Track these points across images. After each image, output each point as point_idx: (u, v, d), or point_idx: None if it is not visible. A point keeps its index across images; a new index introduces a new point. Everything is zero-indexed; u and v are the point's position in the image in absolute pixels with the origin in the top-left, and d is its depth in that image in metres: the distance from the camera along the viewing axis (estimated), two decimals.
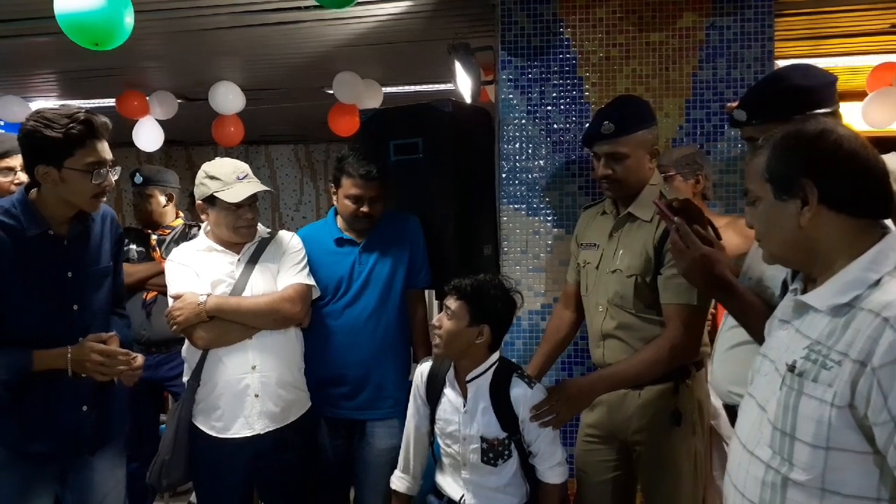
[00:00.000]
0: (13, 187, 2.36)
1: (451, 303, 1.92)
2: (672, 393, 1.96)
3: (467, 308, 1.90)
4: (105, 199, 1.98)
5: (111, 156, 1.92)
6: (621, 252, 2.02)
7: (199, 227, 3.36)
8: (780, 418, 1.17)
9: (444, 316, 1.93)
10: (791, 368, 1.16)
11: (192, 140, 9.08)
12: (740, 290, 1.49)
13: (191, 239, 3.24)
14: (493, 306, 1.92)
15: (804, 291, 1.24)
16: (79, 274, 1.93)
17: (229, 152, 9.34)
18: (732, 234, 2.17)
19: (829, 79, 1.58)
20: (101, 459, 2.02)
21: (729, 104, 1.69)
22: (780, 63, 2.62)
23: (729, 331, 1.69)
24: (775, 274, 1.47)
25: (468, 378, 1.94)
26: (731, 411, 1.59)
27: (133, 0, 2.43)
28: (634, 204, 2.02)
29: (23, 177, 2.35)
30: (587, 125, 2.18)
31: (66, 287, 1.91)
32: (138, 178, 3.39)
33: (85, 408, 1.95)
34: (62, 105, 2.15)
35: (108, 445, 2.04)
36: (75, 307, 1.92)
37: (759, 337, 1.42)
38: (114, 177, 1.94)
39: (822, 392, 1.10)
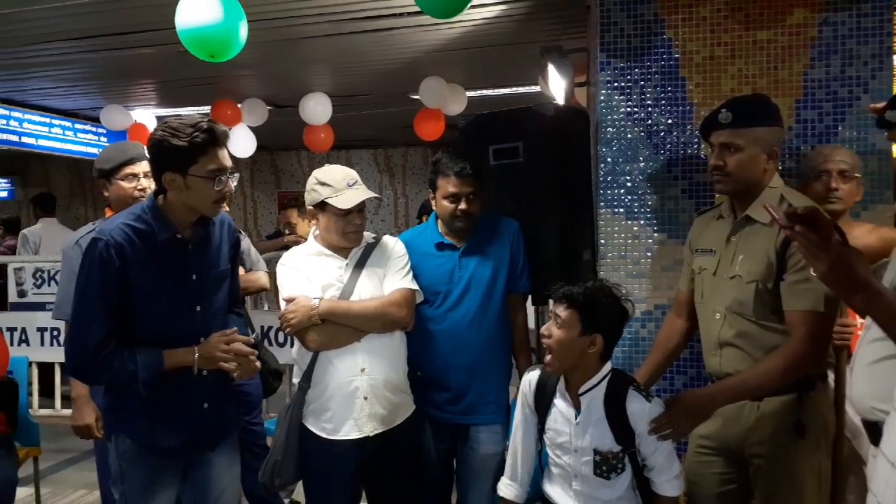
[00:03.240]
0: (136, 193, 2.48)
1: (561, 311, 1.87)
2: (795, 404, 1.88)
3: (578, 317, 1.85)
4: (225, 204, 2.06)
5: (231, 162, 1.99)
6: (741, 257, 1.95)
7: (242, 233, 3.45)
8: None
9: (552, 325, 1.89)
10: None
11: (277, 146, 9.36)
12: (889, 295, 1.39)
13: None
14: (606, 315, 1.87)
15: None
16: (201, 276, 2.02)
17: (312, 158, 9.61)
18: (874, 241, 2.08)
19: None
20: (219, 455, 2.10)
21: (873, 105, 1.59)
22: None
23: (871, 343, 1.59)
24: None
25: (581, 391, 1.91)
26: (872, 427, 1.50)
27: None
28: (753, 206, 1.96)
29: (145, 183, 2.48)
30: (704, 118, 2.12)
31: (191, 289, 1.99)
32: None
33: (206, 405, 2.03)
34: (171, 115, 2.25)
35: (225, 441, 2.12)
36: (198, 308, 2.01)
37: None
38: (233, 183, 2.02)
39: None
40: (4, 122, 6.17)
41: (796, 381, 1.87)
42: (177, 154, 1.88)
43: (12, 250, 6.50)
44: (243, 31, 2.42)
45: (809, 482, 1.90)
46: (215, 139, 1.92)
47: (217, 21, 2.27)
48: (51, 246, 5.87)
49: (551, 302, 1.97)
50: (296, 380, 2.30)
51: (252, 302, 3.43)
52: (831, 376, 2.07)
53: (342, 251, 2.30)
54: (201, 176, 1.90)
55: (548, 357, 1.90)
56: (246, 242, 3.40)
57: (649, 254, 2.78)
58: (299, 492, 2.79)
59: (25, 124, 6.40)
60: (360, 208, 2.26)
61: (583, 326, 1.85)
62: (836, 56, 2.65)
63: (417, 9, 2.46)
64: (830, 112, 2.67)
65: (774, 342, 1.88)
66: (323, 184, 2.24)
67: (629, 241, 2.81)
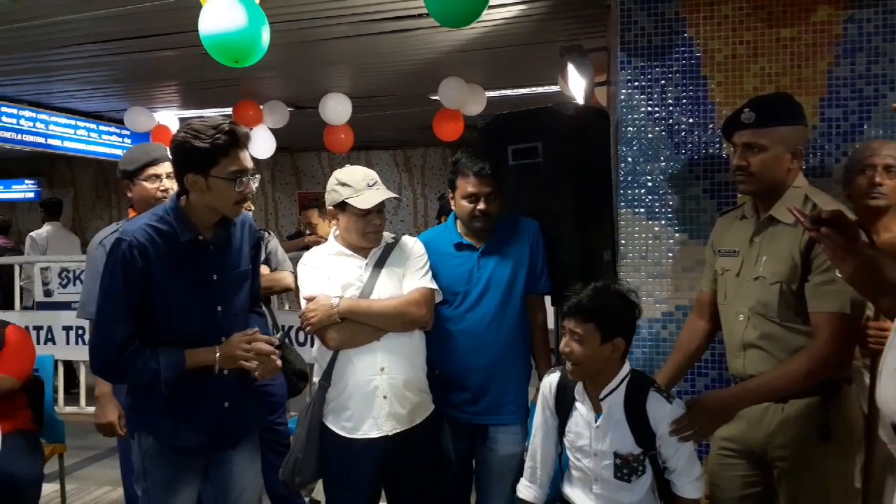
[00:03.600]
0: (159, 193, 2.51)
1: (577, 327, 1.84)
2: (820, 407, 1.85)
3: (595, 328, 1.84)
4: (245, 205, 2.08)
5: (252, 164, 2.01)
6: (764, 258, 1.93)
7: (270, 233, 3.47)
8: None
9: (570, 340, 1.86)
10: None
11: (297, 147, 9.42)
12: None
13: (266, 244, 3.36)
14: (621, 317, 1.87)
15: None
16: (222, 277, 2.03)
17: (333, 158, 9.66)
18: None
19: None
20: (239, 454, 2.11)
21: None
22: None
23: None
24: None
25: (602, 395, 1.90)
26: None
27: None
28: (776, 206, 1.93)
29: (168, 184, 2.50)
30: (726, 118, 2.09)
31: (212, 289, 2.01)
32: None
33: (227, 404, 2.04)
34: (193, 117, 2.28)
35: (246, 440, 2.14)
36: (219, 308, 2.02)
37: None
38: (254, 184, 2.04)
39: None
40: (31, 124, 6.28)
41: (821, 384, 1.84)
42: (199, 156, 1.89)
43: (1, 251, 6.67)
44: (265, 36, 2.44)
45: (835, 486, 1.87)
46: (236, 141, 1.93)
47: (240, 27, 2.28)
48: (57, 248, 6.28)
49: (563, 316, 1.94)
50: (316, 378, 2.31)
51: (276, 301, 3.45)
52: (867, 379, 2.03)
53: (362, 251, 2.31)
54: (222, 177, 1.92)
55: (570, 366, 1.89)
56: (274, 242, 3.42)
57: (670, 254, 2.76)
58: (319, 491, 2.80)
59: (52, 126, 6.51)
60: (380, 208, 2.27)
61: (602, 335, 1.84)
62: (862, 53, 2.61)
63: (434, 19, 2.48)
64: (856, 110, 2.63)
65: (799, 343, 1.86)
66: (343, 184, 2.25)
67: (650, 241, 2.79)
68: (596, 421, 1.90)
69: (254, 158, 2.34)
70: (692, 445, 1.86)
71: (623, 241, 2.80)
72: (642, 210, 2.79)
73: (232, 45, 2.32)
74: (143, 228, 1.91)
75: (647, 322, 2.77)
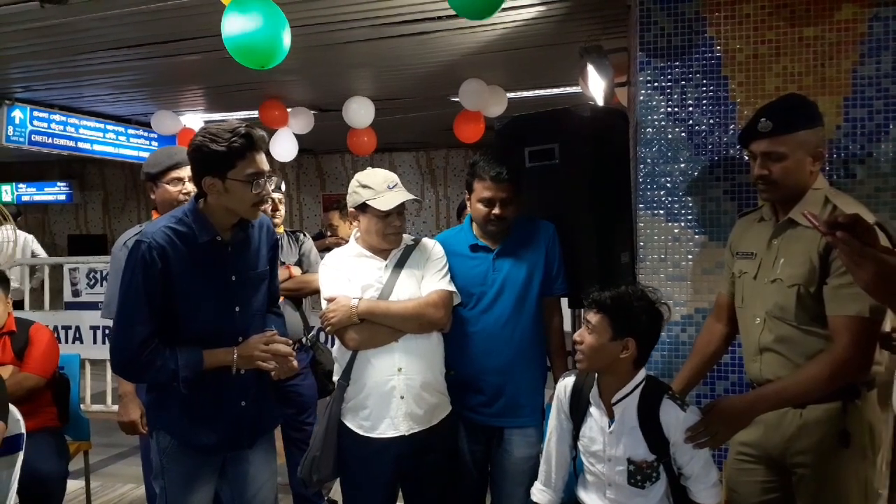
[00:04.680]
0: (181, 196, 2.54)
1: (592, 317, 1.87)
2: (840, 413, 1.82)
3: (609, 321, 1.84)
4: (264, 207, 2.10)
5: (268, 166, 2.03)
6: (782, 261, 1.90)
7: (305, 234, 3.49)
8: None
9: (584, 331, 1.88)
10: None
11: (322, 149, 9.49)
12: None
13: (300, 245, 3.38)
14: (638, 319, 1.85)
15: None
16: (240, 278, 2.06)
17: (356, 160, 9.73)
18: None
19: None
20: (256, 453, 2.14)
21: None
22: None
23: None
24: None
25: (615, 400, 1.89)
26: None
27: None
28: (796, 209, 1.89)
29: (190, 187, 2.54)
30: (744, 124, 2.07)
31: (230, 290, 2.04)
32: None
33: (244, 403, 2.07)
34: (218, 120, 2.31)
35: (263, 439, 2.16)
36: (237, 309, 2.05)
37: None
38: (271, 186, 2.06)
39: None
40: (62, 128, 6.41)
41: (840, 389, 1.80)
42: (216, 159, 1.92)
43: None
44: (287, 39, 2.47)
45: (855, 493, 1.83)
46: (253, 144, 1.95)
47: (261, 29, 2.31)
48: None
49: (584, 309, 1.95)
50: (336, 377, 2.33)
51: (308, 303, 3.48)
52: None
53: (382, 252, 2.33)
54: (240, 180, 1.94)
55: (578, 355, 1.89)
56: (308, 244, 3.45)
57: (690, 256, 2.73)
58: (336, 491, 2.82)
59: (81, 130, 6.64)
60: (400, 210, 2.28)
61: (614, 331, 1.84)
62: (888, 52, 2.57)
63: (454, 11, 2.48)
64: (881, 110, 2.58)
65: (816, 347, 1.83)
66: (364, 186, 2.28)
67: (669, 243, 2.76)
68: (609, 426, 1.89)
69: (279, 161, 2.36)
70: (708, 451, 1.84)
71: (642, 243, 2.78)
72: (662, 212, 2.77)
73: (254, 48, 2.36)
74: (162, 230, 1.95)
75: (666, 325, 2.73)
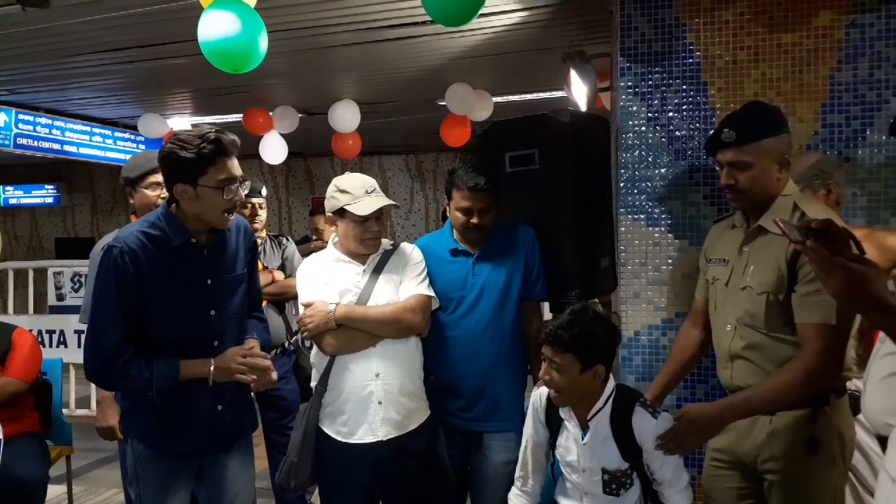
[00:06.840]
0: (160, 200, 2.53)
1: (556, 356, 1.87)
2: (809, 420, 1.82)
3: (574, 357, 1.85)
4: (234, 214, 2.08)
5: (241, 171, 2.02)
6: (752, 268, 1.90)
7: (288, 239, 3.49)
8: None
9: (548, 368, 1.89)
10: None
11: (311, 152, 9.48)
12: None
13: (283, 250, 3.39)
14: (600, 344, 1.87)
15: None
16: (216, 281, 2.05)
17: (345, 163, 9.72)
18: (870, 248, 1.99)
19: None
20: (233, 457, 2.13)
21: None
22: None
23: (885, 357, 1.54)
24: None
25: (589, 416, 1.91)
26: (885, 443, 1.45)
27: (265, 21, 2.58)
28: (766, 216, 1.90)
29: None
30: (707, 138, 2.08)
31: (205, 293, 2.03)
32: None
33: (220, 407, 2.06)
34: (193, 125, 2.30)
35: (240, 443, 2.15)
36: (212, 312, 2.04)
37: None
38: (243, 191, 2.05)
39: None
40: (47, 130, 6.38)
41: (810, 396, 1.81)
42: (186, 165, 1.91)
43: None
44: (263, 43, 2.46)
45: (824, 499, 1.84)
46: (223, 149, 1.94)
47: (236, 32, 2.31)
48: None
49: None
50: (313, 383, 2.33)
51: (291, 308, 3.48)
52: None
53: (360, 257, 2.33)
54: (210, 186, 1.93)
55: (552, 393, 1.90)
56: (291, 248, 3.45)
57: (670, 261, 2.75)
58: (316, 497, 2.81)
59: (68, 133, 6.62)
60: (378, 215, 2.28)
61: (581, 363, 1.85)
62: (864, 59, 2.59)
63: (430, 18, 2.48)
64: (858, 116, 2.61)
65: (786, 354, 1.83)
66: (342, 191, 2.27)
67: (650, 247, 2.78)
68: (583, 438, 1.90)
69: (267, 164, 2.35)
70: (679, 457, 1.85)
71: (623, 248, 2.80)
72: (642, 216, 2.78)
73: (229, 52, 2.35)
74: (134, 234, 1.94)
75: (647, 329, 2.76)
